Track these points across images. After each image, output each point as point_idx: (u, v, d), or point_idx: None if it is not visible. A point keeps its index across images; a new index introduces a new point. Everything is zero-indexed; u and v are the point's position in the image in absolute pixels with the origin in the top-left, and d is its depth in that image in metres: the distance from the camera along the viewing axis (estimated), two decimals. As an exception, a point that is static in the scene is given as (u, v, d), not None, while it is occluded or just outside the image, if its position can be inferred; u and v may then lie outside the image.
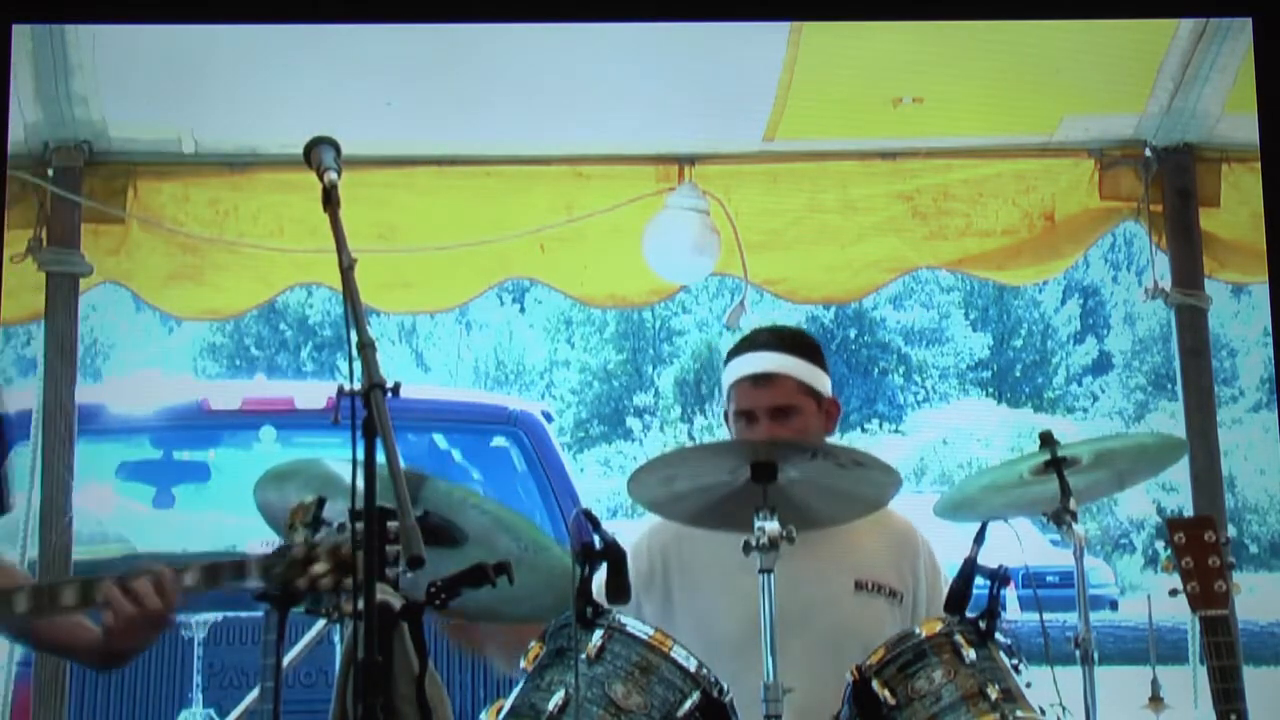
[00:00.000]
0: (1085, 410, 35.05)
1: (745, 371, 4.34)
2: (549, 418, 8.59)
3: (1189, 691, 4.32)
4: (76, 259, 5.42)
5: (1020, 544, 4.02)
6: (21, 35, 4.78)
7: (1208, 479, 5.63)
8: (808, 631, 4.02)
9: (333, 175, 3.38)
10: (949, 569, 3.97)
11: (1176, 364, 5.84)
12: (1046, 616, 3.84)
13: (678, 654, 3.63)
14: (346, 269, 3.26)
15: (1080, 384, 36.48)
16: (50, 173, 5.43)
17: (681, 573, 4.31)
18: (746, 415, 4.30)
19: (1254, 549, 29.83)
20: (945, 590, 3.96)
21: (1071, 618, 3.85)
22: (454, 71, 5.24)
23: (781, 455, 3.76)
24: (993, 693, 3.61)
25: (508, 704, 3.61)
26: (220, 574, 3.45)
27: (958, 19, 5.12)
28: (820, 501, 3.88)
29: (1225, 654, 4.01)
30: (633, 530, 4.22)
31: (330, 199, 3.35)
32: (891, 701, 3.65)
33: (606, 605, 3.66)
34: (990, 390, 35.61)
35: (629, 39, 5.19)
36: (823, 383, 4.36)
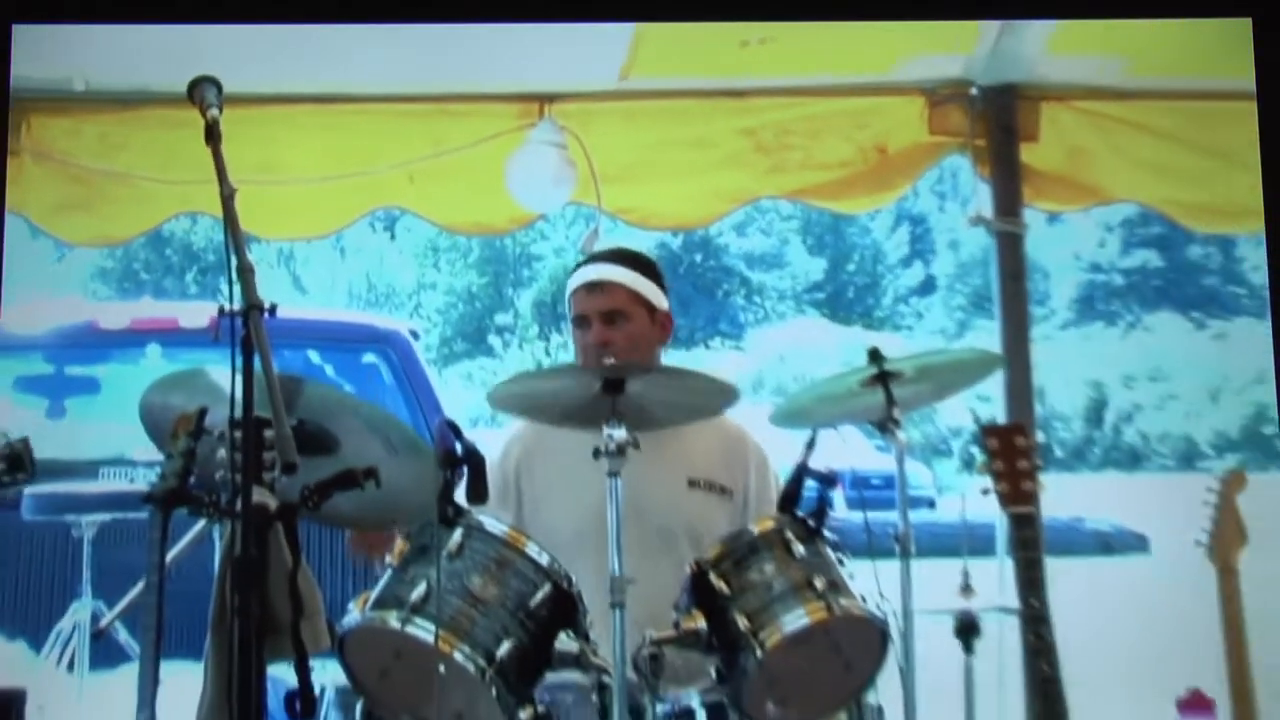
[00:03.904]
0: (911, 328, 35.28)
1: (580, 280, 4.44)
2: (416, 336, 8.63)
3: (996, 581, 4.40)
4: (-30, 189, 5.36)
5: (848, 449, 4.08)
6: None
7: (1020, 390, 5.72)
8: (645, 526, 4.07)
9: (214, 112, 3.41)
10: (782, 473, 4.02)
11: (995, 286, 5.91)
12: (870, 515, 3.90)
13: (531, 550, 3.68)
14: (227, 198, 3.30)
15: (907, 304, 36.71)
16: (-56, 109, 5.34)
17: (531, 482, 4.39)
18: (580, 320, 4.39)
19: (1059, 453, 30.28)
20: (776, 487, 4.01)
21: (893, 516, 3.91)
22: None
23: (628, 376, 3.80)
24: (819, 583, 3.67)
25: (374, 595, 3.65)
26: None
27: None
28: (664, 410, 3.92)
29: (1030, 547, 4.11)
30: (492, 438, 4.24)
31: (212, 134, 3.38)
32: (727, 592, 3.69)
33: (467, 506, 3.71)
34: (824, 310, 35.72)
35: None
36: (657, 296, 4.43)
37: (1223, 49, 4.93)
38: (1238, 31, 4.77)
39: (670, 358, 4.57)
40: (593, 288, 4.40)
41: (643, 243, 5.23)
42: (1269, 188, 4.63)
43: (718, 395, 3.99)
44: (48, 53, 5.27)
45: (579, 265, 4.56)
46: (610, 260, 4.46)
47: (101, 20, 4.89)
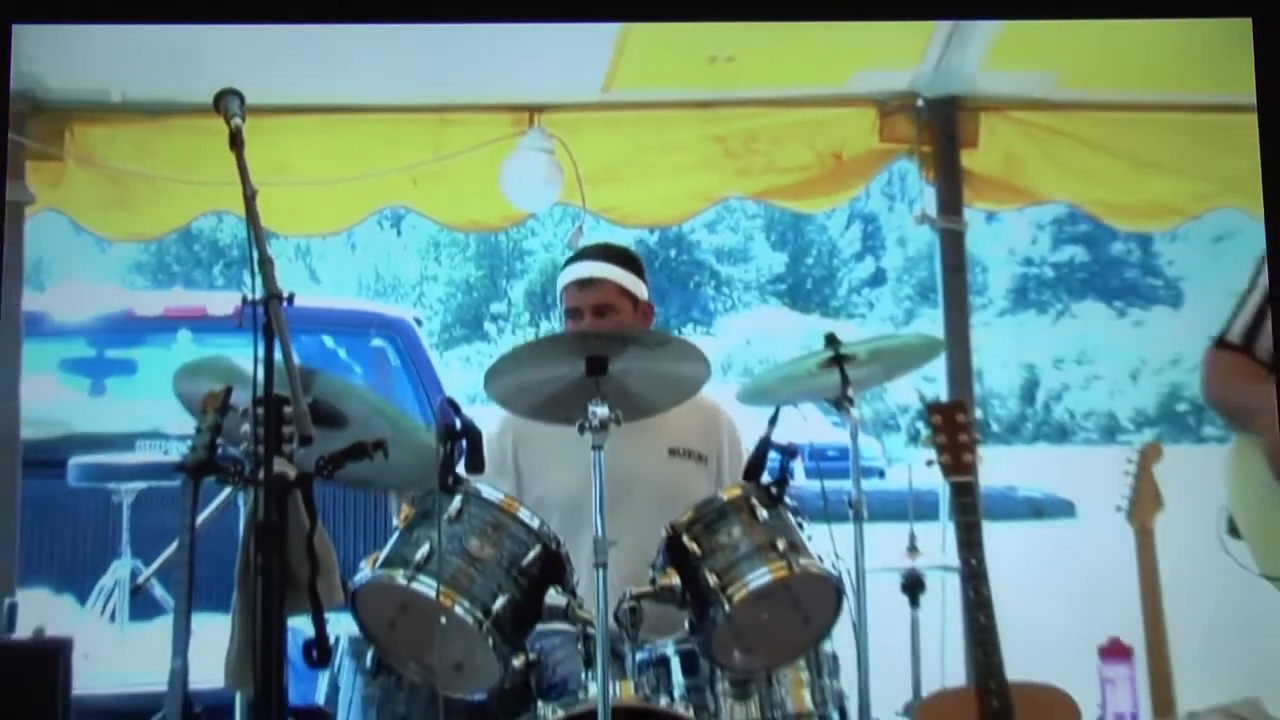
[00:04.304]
0: (864, 316, 35.26)
1: (573, 276, 4.45)
2: (419, 322, 8.61)
3: (939, 542, 4.40)
4: (21, 189, 5.35)
5: (807, 424, 4.09)
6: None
7: (961, 371, 5.71)
8: (633, 494, 4.09)
9: (238, 120, 3.43)
10: (748, 445, 4.03)
11: (939, 278, 5.90)
12: (826, 484, 3.91)
13: (523, 514, 3.71)
14: (249, 198, 3.33)
15: (860, 294, 36.67)
16: (-2, 121, 5.32)
17: (527, 456, 4.41)
18: (573, 312, 4.42)
19: (995, 428, 30.31)
20: (745, 456, 4.02)
21: (847, 484, 3.93)
22: (340, 32, 5.17)
23: (604, 345, 3.82)
24: (781, 545, 3.69)
25: (382, 555, 3.68)
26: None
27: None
28: (645, 388, 3.92)
29: (969, 512, 4.12)
30: (488, 414, 4.25)
31: (236, 140, 3.41)
32: (698, 552, 3.71)
33: (465, 475, 3.72)
34: (786, 300, 35.68)
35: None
36: (639, 289, 4.46)
37: (1224, 49, 4.83)
38: (1238, 31, 4.66)
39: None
40: (584, 284, 4.42)
41: (622, 239, 5.23)
42: (1269, 188, 4.53)
43: (690, 359, 3.94)
44: (50, 55, 5.24)
45: (569, 261, 4.57)
46: (599, 258, 4.47)
47: (101, 20, 4.83)
